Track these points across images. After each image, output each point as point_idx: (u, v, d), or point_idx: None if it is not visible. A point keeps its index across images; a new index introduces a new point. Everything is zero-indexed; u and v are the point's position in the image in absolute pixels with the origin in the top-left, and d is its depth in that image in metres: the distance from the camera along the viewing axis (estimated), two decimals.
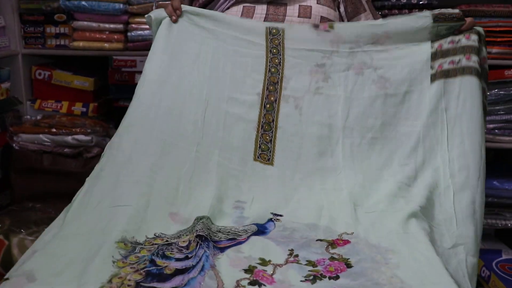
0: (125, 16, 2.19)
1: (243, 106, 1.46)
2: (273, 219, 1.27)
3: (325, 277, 1.03)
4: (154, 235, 1.15)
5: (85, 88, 2.25)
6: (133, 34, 2.20)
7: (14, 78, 2.25)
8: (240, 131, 1.44)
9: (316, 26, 1.48)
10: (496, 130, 2.08)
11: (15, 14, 2.25)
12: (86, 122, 2.13)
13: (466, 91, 1.37)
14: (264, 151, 1.43)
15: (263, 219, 1.26)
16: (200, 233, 1.14)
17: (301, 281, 1.02)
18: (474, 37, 1.39)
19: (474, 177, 1.30)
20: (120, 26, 2.20)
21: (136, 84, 1.52)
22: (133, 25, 2.20)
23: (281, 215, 1.29)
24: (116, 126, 2.20)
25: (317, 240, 1.17)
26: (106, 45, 2.21)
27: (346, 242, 1.16)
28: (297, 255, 1.11)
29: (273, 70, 1.49)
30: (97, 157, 2.07)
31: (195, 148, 1.40)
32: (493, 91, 2.04)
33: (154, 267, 1.04)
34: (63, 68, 2.30)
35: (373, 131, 1.42)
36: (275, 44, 1.50)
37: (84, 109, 2.24)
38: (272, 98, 1.47)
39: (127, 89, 2.15)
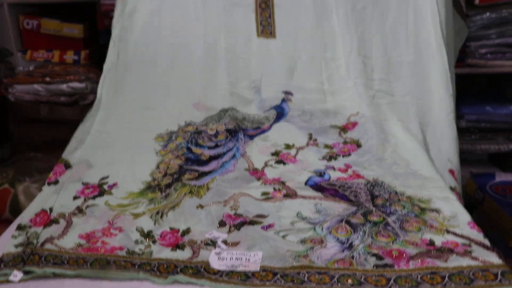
0: None
1: None
2: (285, 99, 1.47)
3: (339, 155, 1.26)
4: (185, 122, 1.39)
5: (75, 35, 2.22)
6: None
7: (2, 29, 2.22)
8: (239, 15, 1.58)
9: None
10: (489, 55, 2.08)
11: None
12: (79, 69, 2.11)
13: None
14: (265, 26, 1.56)
15: (277, 99, 1.47)
16: (229, 127, 1.36)
17: (318, 159, 1.25)
18: None
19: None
20: None
21: None
22: None
23: (291, 93, 1.49)
24: None
25: (330, 126, 1.38)
26: None
27: (355, 124, 1.37)
28: (315, 139, 1.33)
29: None
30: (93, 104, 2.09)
31: (202, 39, 1.57)
32: (485, 14, 2.02)
33: (191, 154, 1.26)
34: (50, 16, 2.26)
35: (363, 0, 1.53)
36: None
37: (76, 57, 2.22)
38: None
39: None
